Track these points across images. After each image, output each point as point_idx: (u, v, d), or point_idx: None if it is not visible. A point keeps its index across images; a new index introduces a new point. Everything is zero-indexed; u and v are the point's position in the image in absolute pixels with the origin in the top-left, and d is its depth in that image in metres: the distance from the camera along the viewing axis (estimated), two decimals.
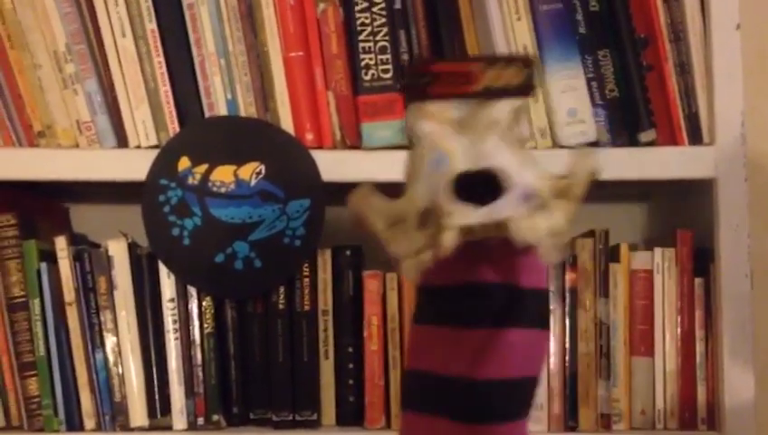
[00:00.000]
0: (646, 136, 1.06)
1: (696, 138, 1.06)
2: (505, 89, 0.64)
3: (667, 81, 1.06)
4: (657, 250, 1.07)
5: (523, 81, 0.65)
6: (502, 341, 0.66)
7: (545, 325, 0.71)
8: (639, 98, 1.06)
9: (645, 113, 1.06)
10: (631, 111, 1.06)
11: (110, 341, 1.06)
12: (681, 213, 1.18)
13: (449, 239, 0.60)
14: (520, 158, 0.64)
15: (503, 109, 0.65)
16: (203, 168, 1.04)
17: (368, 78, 1.06)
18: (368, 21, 1.06)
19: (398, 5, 1.06)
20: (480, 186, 0.62)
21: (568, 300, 1.06)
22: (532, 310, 0.67)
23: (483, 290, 0.66)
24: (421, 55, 0.66)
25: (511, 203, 0.61)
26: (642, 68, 1.07)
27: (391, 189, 1.07)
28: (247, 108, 1.07)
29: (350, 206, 0.69)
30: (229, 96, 1.07)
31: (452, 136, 0.64)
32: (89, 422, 1.05)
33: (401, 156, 1.04)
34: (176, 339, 1.06)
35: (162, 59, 1.06)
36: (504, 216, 0.60)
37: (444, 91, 0.65)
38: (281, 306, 1.06)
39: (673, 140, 1.06)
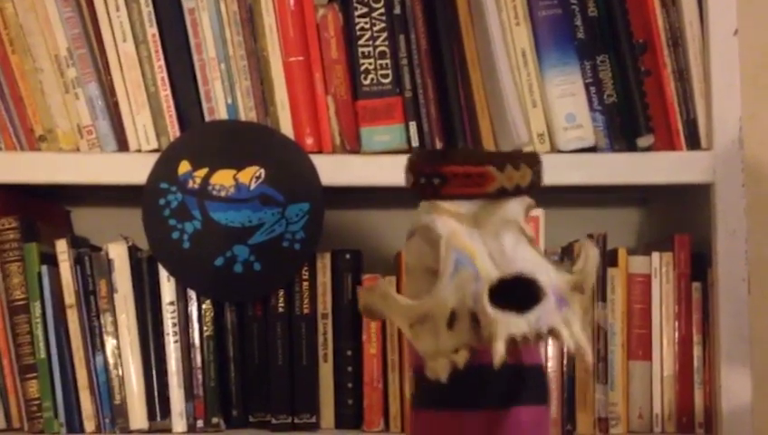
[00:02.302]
0: (644, 141, 1.06)
1: (693, 143, 1.07)
2: (517, 188, 0.66)
3: (665, 86, 1.07)
4: (655, 255, 1.07)
5: (531, 180, 0.67)
6: (511, 420, 0.67)
7: (547, 400, 0.71)
8: (638, 103, 1.07)
9: (643, 118, 1.07)
10: (629, 116, 1.07)
11: (110, 343, 1.06)
12: (679, 218, 1.18)
13: (501, 348, 0.61)
14: (540, 257, 0.65)
15: (516, 207, 0.66)
16: (203, 171, 1.04)
17: (367, 83, 1.06)
18: (367, 26, 1.06)
19: (397, 11, 1.07)
20: (509, 287, 0.63)
21: None
22: (535, 386, 0.69)
23: (492, 372, 0.65)
24: (428, 153, 0.68)
25: (550, 311, 0.62)
26: (640, 73, 1.07)
27: (390, 193, 1.07)
28: (247, 112, 1.07)
29: (365, 300, 0.70)
30: (229, 100, 1.07)
31: (470, 235, 0.65)
32: (89, 425, 1.06)
33: (400, 160, 1.05)
34: (175, 342, 1.06)
35: (163, 63, 1.07)
36: (548, 326, 0.62)
37: (458, 192, 0.67)
38: (280, 309, 1.07)
39: (671, 146, 1.07)
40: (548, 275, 0.64)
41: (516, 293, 0.63)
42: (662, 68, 1.07)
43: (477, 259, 0.64)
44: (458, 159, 0.68)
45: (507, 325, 0.61)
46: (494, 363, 0.60)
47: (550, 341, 1.01)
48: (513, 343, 0.61)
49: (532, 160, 0.67)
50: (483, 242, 0.65)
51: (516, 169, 0.66)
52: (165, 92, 1.07)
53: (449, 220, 0.66)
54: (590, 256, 0.66)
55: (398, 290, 1.06)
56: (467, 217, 0.66)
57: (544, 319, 0.62)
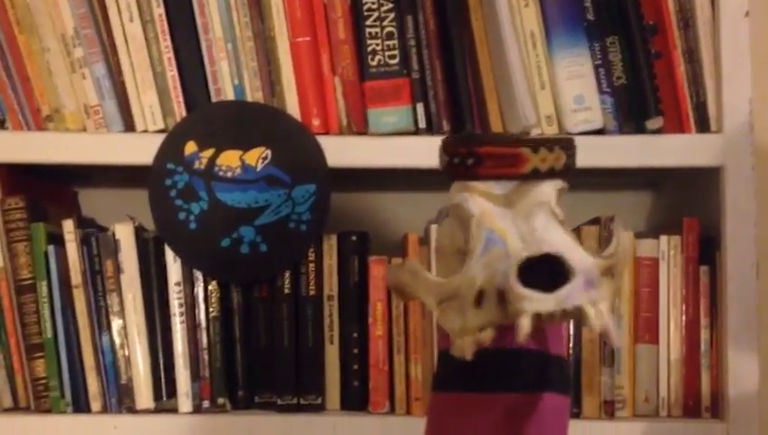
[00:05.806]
0: (653, 124, 1.06)
1: (703, 126, 1.06)
2: (551, 171, 0.67)
3: (675, 68, 1.06)
4: (663, 238, 1.07)
5: (564, 163, 0.67)
6: (536, 405, 0.67)
7: (569, 392, 0.72)
8: (647, 85, 1.06)
9: (652, 101, 1.06)
10: (639, 98, 1.06)
11: (116, 324, 1.07)
12: (687, 201, 1.18)
13: (526, 324, 0.61)
14: (570, 239, 0.65)
15: (548, 190, 0.67)
16: (209, 152, 1.04)
17: (374, 63, 1.06)
18: (375, 6, 1.06)
19: None
20: (537, 267, 0.63)
21: None
22: (560, 376, 0.69)
23: (519, 356, 0.67)
24: (463, 135, 0.68)
25: (578, 290, 0.62)
26: (650, 55, 1.06)
27: (397, 175, 1.07)
28: (254, 93, 1.07)
29: (395, 278, 0.70)
30: (236, 81, 1.07)
31: (501, 215, 0.66)
32: (95, 404, 1.06)
33: (407, 142, 1.05)
34: (182, 323, 1.07)
35: (169, 44, 1.06)
36: (575, 304, 0.62)
37: (492, 173, 0.67)
38: (286, 291, 1.07)
39: (680, 128, 1.06)
40: (578, 257, 0.64)
41: (546, 276, 0.63)
42: (672, 50, 1.06)
43: (508, 239, 0.64)
44: (492, 140, 0.68)
45: (534, 302, 0.61)
46: (518, 339, 0.60)
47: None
48: (539, 320, 0.61)
49: (567, 144, 0.68)
50: (514, 223, 0.65)
51: (550, 152, 0.66)
52: (171, 73, 1.06)
53: (481, 200, 0.66)
54: (621, 240, 0.66)
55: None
56: (500, 197, 0.67)
57: (572, 298, 0.62)
